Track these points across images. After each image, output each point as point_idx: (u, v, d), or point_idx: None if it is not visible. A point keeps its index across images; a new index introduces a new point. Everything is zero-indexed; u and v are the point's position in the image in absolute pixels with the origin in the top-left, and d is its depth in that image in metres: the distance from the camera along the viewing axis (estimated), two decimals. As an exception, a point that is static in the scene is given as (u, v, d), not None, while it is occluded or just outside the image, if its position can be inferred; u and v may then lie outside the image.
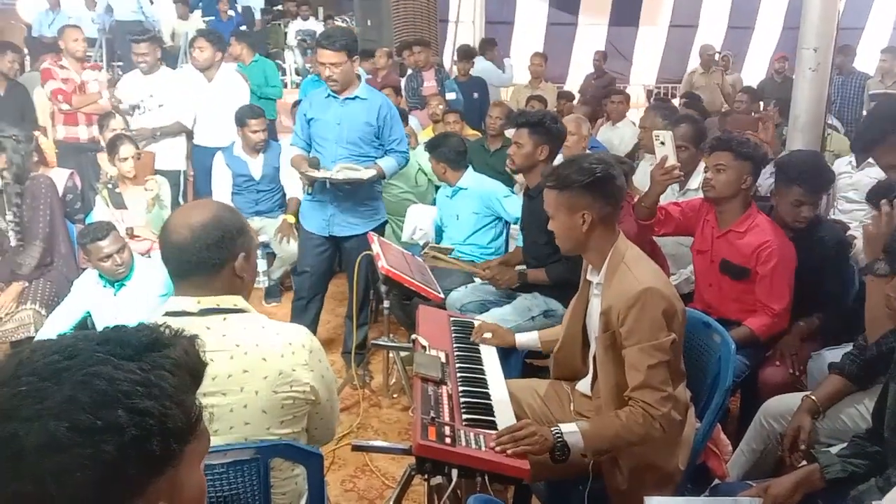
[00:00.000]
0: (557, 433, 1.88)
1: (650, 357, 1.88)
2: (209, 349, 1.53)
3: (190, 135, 5.24)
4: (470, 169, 4.10)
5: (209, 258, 1.58)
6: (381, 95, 3.74)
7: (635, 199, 3.09)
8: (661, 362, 1.88)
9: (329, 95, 3.56)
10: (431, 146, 4.10)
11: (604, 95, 6.85)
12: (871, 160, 3.38)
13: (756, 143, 3.12)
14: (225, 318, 1.58)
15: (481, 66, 7.92)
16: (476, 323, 2.69)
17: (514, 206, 3.84)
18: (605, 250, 2.05)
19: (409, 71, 7.28)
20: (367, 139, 3.55)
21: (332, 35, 3.44)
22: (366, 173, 3.43)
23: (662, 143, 2.83)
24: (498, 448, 1.82)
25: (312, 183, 3.52)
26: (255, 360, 1.56)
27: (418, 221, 4.39)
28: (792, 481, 1.82)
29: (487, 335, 2.53)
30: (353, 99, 3.53)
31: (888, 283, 1.89)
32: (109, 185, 4.19)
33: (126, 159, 4.06)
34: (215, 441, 1.56)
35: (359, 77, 3.66)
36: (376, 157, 3.56)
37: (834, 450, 1.92)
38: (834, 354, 2.58)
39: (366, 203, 3.66)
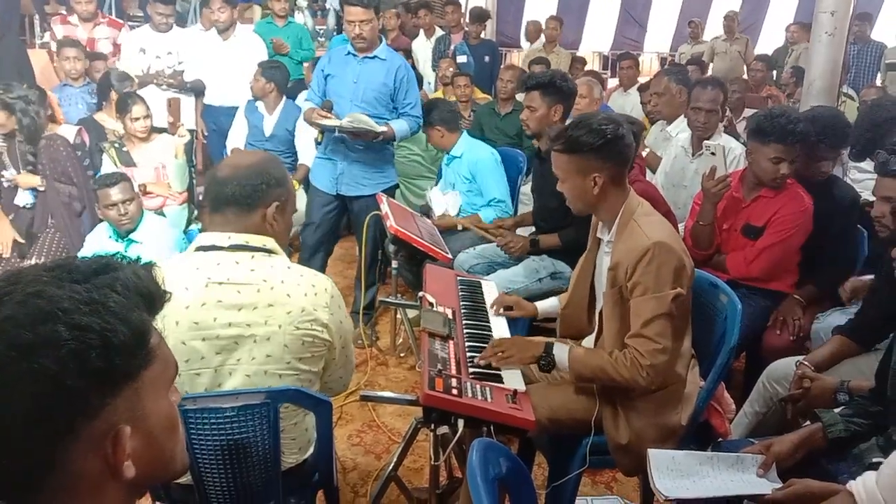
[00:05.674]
0: (549, 344, 2.01)
1: (651, 308, 1.89)
2: (238, 282, 1.60)
3: (200, 94, 5.22)
4: (464, 134, 3.99)
5: (244, 196, 1.65)
6: (400, 58, 3.69)
7: (646, 158, 2.99)
8: (661, 314, 1.89)
9: (349, 53, 3.54)
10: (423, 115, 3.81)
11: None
12: None
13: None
14: (253, 256, 1.64)
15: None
16: (482, 283, 2.70)
17: (496, 184, 3.79)
18: (616, 209, 2.04)
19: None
20: (382, 100, 3.53)
21: None
22: (376, 126, 3.40)
23: (713, 154, 2.75)
24: (482, 362, 1.99)
25: (323, 132, 3.48)
26: (280, 296, 1.62)
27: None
28: (794, 440, 1.82)
29: (504, 308, 2.43)
30: (373, 58, 3.51)
31: None
32: (116, 145, 4.14)
33: (138, 119, 4.02)
34: (237, 368, 1.63)
35: (380, 38, 3.62)
36: (389, 120, 3.53)
37: (836, 409, 1.93)
38: (837, 318, 2.58)
39: (376, 164, 3.64)
